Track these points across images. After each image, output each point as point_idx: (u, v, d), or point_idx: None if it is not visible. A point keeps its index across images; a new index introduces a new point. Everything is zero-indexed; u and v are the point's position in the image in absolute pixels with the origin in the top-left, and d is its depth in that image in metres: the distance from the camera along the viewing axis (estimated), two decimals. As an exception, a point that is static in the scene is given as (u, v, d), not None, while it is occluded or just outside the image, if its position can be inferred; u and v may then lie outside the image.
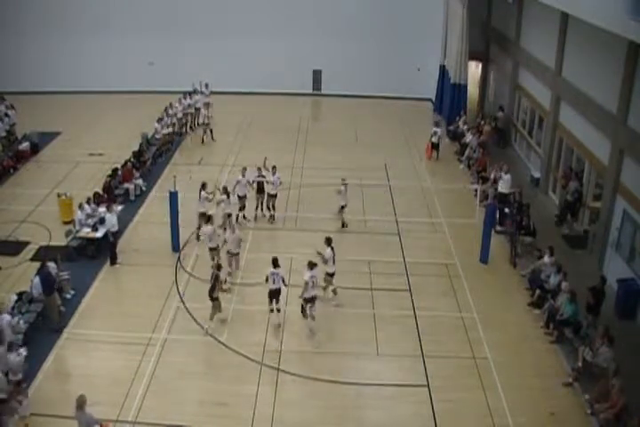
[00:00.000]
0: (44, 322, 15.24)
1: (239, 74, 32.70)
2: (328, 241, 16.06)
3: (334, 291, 16.26)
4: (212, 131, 27.27)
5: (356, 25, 32.33)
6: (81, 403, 11.14)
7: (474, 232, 18.96)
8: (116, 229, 18.06)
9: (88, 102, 31.93)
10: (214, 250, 17.41)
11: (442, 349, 14.73)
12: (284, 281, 15.23)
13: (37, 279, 15.61)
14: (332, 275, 16.11)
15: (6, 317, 14.06)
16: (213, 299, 15.19)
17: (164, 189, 21.54)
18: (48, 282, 15.22)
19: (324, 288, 16.17)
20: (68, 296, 16.28)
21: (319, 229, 19.71)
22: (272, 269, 15.05)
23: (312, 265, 14.87)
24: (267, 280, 15.06)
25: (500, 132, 27.16)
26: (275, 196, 20.40)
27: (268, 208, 20.55)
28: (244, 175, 19.99)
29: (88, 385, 13.07)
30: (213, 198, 19.12)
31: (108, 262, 17.91)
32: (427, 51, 32.08)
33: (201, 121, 27.91)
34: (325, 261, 15.78)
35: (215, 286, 15.10)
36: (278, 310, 15.51)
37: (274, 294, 15.28)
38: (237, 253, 17.34)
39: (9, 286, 16.59)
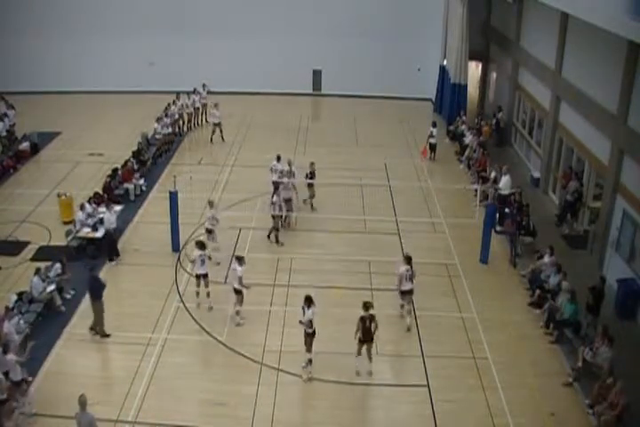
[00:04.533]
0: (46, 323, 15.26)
1: (239, 74, 32.64)
2: (210, 204, 18.07)
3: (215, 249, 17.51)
4: (221, 131, 26.94)
5: (357, 25, 32.25)
6: (82, 403, 11.11)
7: (474, 232, 18.94)
8: (114, 226, 18.05)
9: (88, 102, 31.88)
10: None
11: (442, 349, 14.72)
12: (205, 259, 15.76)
13: (36, 279, 15.62)
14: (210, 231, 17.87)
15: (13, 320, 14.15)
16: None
17: (164, 189, 21.56)
18: (96, 286, 14.90)
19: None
20: (68, 296, 16.27)
21: (319, 228, 19.72)
22: (199, 252, 15.60)
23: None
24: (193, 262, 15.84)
25: (500, 132, 27.17)
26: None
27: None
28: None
29: (88, 385, 13.06)
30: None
31: (109, 259, 17.92)
32: (427, 51, 32.07)
33: (210, 120, 27.60)
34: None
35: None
36: (208, 295, 15.87)
37: (201, 277, 15.81)
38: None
39: (9, 285, 16.58)
